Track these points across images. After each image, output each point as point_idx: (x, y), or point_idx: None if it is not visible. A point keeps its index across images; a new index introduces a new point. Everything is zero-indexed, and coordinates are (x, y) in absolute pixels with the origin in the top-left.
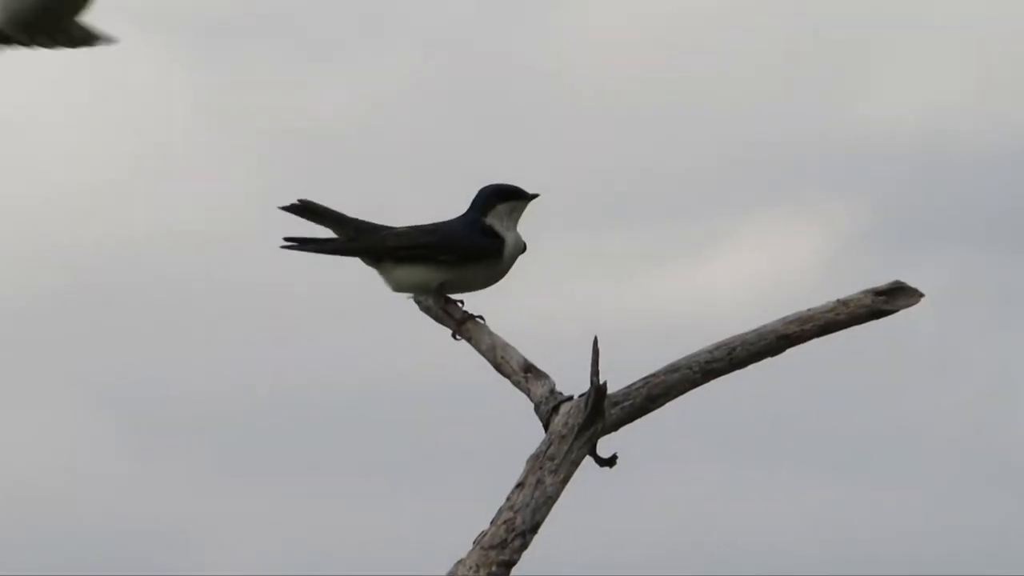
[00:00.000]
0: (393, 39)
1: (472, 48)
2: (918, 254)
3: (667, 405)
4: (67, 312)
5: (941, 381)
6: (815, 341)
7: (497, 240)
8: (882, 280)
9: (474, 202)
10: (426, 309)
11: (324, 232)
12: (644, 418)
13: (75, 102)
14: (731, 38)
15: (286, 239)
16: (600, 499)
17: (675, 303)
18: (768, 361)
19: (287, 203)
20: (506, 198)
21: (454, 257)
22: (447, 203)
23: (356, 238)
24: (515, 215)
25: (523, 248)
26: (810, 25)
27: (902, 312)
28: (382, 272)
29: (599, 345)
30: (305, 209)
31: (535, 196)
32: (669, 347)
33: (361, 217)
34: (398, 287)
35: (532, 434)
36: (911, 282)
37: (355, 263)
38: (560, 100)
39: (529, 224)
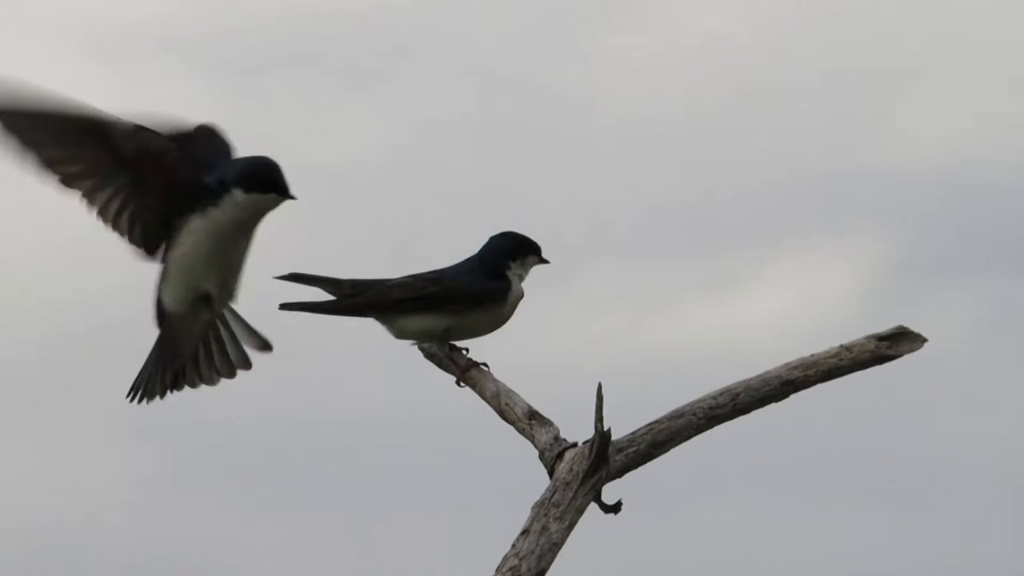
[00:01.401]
0: (431, 70)
1: (506, 78)
2: (953, 286)
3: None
4: (106, 347)
5: (976, 413)
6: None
7: (504, 283)
8: (916, 314)
9: (493, 247)
10: (430, 356)
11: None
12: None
13: None
14: (765, 68)
15: (283, 305)
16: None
17: (707, 337)
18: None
19: (281, 274)
20: (531, 252)
21: (460, 305)
22: (483, 234)
23: (357, 294)
24: (527, 269)
25: (521, 296)
26: (845, 55)
27: (936, 343)
28: (385, 322)
29: (603, 391)
30: (299, 278)
31: (547, 262)
32: (700, 384)
33: (353, 277)
34: (401, 335)
35: (537, 481)
36: (944, 315)
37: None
38: (592, 130)
39: (557, 257)
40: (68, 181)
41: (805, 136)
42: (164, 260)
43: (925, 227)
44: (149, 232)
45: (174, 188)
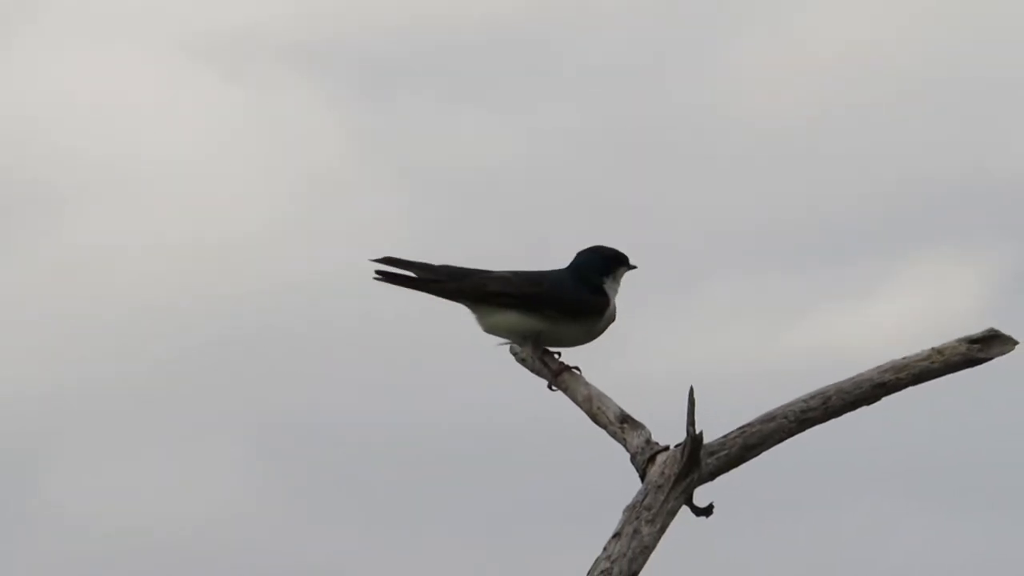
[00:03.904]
0: (556, 79)
1: (632, 87)
2: None
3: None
4: (221, 355)
5: None
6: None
7: (604, 298)
8: None
9: (585, 262)
10: (522, 360)
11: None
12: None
13: (226, 146)
14: (893, 77)
15: (377, 274)
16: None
17: (836, 344)
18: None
19: (376, 257)
20: (622, 264)
21: (558, 312)
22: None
23: (451, 280)
24: (618, 282)
25: (615, 315)
26: (971, 64)
27: None
28: (477, 313)
29: (695, 395)
30: (393, 262)
31: (635, 267)
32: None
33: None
34: (491, 329)
35: (628, 484)
36: None
37: (444, 305)
38: (721, 139)
39: (689, 266)
40: None
41: (931, 145)
42: None
43: None
44: None
45: None
